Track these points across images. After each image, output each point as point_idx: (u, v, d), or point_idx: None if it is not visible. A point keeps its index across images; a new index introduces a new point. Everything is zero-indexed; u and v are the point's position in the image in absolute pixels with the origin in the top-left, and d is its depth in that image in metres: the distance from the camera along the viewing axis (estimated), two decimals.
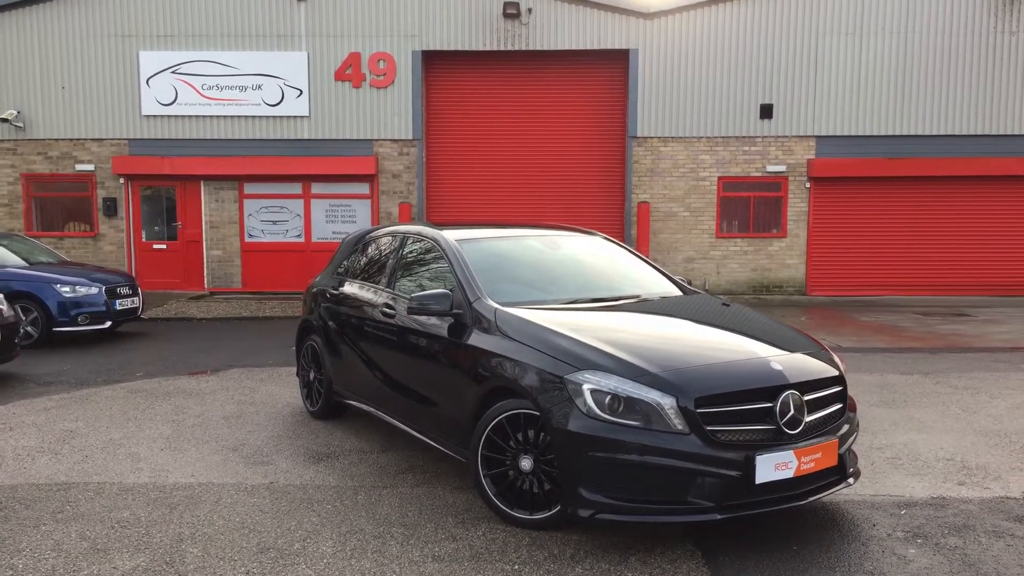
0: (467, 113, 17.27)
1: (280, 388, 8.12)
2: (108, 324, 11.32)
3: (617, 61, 16.90)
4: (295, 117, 16.95)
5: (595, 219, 16.66)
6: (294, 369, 9.00)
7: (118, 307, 11.44)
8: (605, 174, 17.24)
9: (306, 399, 7.03)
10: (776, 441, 4.02)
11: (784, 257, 16.80)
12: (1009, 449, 5.79)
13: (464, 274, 5.16)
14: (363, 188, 17.20)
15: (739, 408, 4.01)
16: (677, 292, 5.64)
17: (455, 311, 4.97)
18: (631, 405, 3.98)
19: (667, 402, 3.93)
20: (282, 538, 4.32)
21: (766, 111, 16.44)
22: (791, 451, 4.02)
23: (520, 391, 4.37)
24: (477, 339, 4.75)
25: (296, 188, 17.24)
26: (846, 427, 4.41)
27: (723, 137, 16.59)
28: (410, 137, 16.85)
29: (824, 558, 3.99)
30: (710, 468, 3.89)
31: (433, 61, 17.06)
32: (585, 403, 4.03)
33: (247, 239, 17.44)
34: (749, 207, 16.77)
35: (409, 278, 5.80)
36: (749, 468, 3.91)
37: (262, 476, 5.37)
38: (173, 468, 5.57)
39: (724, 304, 5.49)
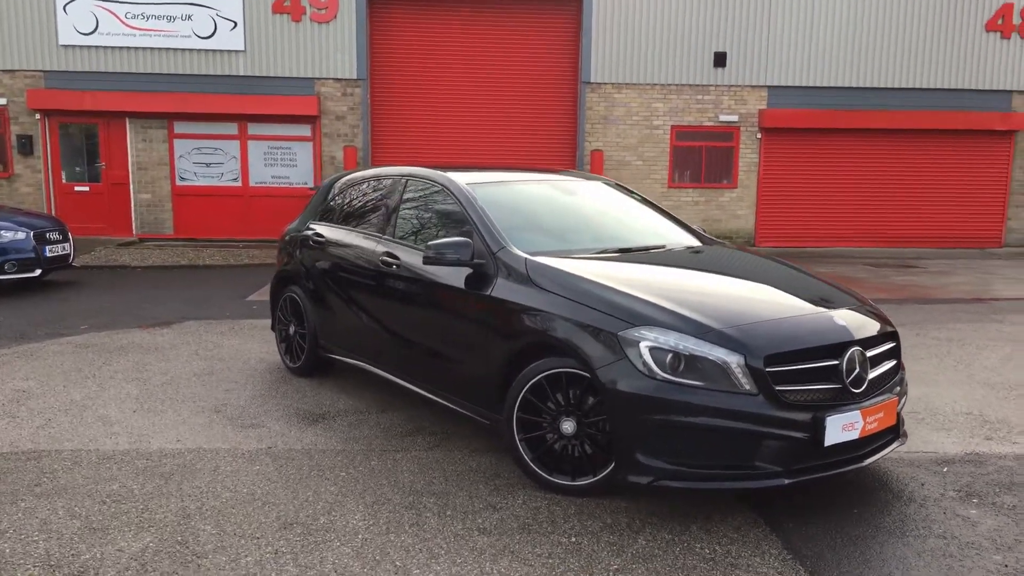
0: (415, 53, 16.53)
1: (247, 342, 7.57)
2: (38, 272, 10.44)
3: (571, 3, 16.38)
4: (229, 51, 15.92)
5: (548, 166, 16.24)
6: (256, 322, 8.49)
7: (48, 254, 10.56)
8: (558, 120, 16.82)
9: (285, 354, 6.53)
10: (841, 400, 3.80)
11: (735, 208, 16.80)
12: (1021, 402, 5.76)
13: (483, 221, 4.74)
14: (304, 130, 16.35)
15: (806, 367, 3.76)
16: (697, 242, 5.35)
17: (476, 261, 4.56)
18: (693, 364, 3.68)
19: (734, 360, 3.65)
20: (303, 511, 3.90)
21: (720, 59, 16.23)
22: (858, 411, 3.80)
23: (562, 348, 4.03)
24: (505, 291, 4.37)
25: (232, 128, 16.28)
26: (900, 385, 4.23)
27: (677, 85, 16.34)
28: (354, 76, 16.05)
29: (888, 521, 3.82)
30: (778, 430, 3.64)
31: None
32: (643, 362, 3.72)
33: (179, 182, 16.43)
34: (701, 157, 16.64)
35: (414, 225, 5.34)
36: (818, 429, 3.68)
37: (256, 440, 4.91)
38: (153, 432, 5.05)
39: (757, 256, 5.23)
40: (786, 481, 3.67)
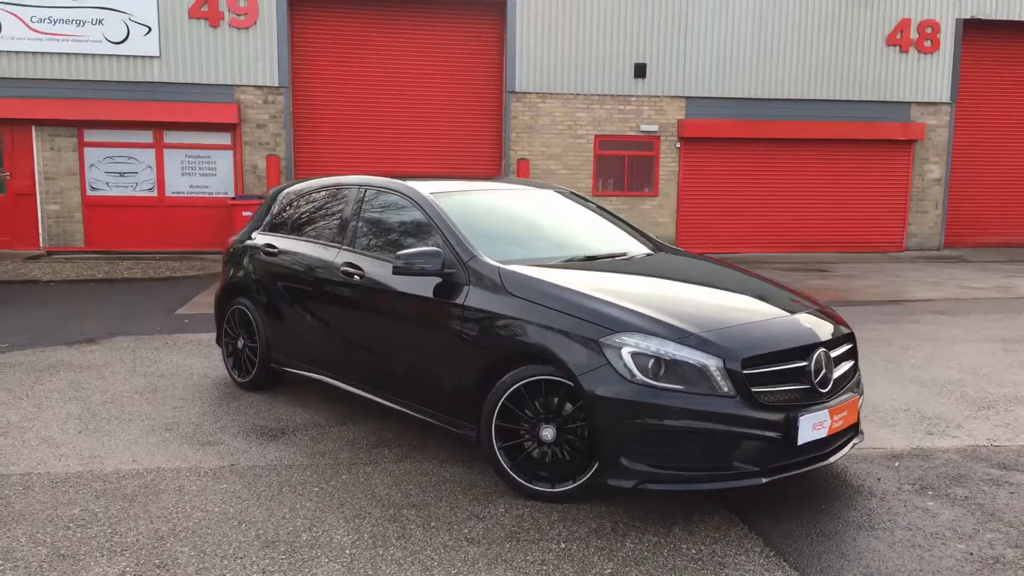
0: (338, 61, 16.32)
1: (186, 358, 7.33)
2: None
3: (495, 13, 16.49)
4: (143, 57, 15.39)
5: (474, 174, 16.30)
6: (192, 336, 8.23)
7: None
8: (484, 129, 16.88)
9: (232, 369, 6.36)
10: (810, 400, 3.96)
11: (656, 215, 17.19)
12: (952, 398, 6.09)
13: (452, 231, 4.75)
14: (224, 138, 15.93)
15: (778, 368, 3.91)
16: (652, 248, 5.46)
17: (447, 270, 4.56)
18: (674, 368, 3.78)
19: (713, 364, 3.77)
20: (282, 528, 3.82)
21: (640, 71, 16.61)
22: (826, 410, 3.97)
23: (541, 356, 4.07)
24: (479, 300, 4.38)
25: (146, 136, 15.72)
26: (858, 384, 4.44)
27: (599, 95, 16.64)
28: (276, 84, 15.74)
29: (855, 516, 3.99)
30: (755, 431, 3.77)
31: (299, 1, 15.95)
32: (626, 367, 3.79)
33: (89, 192, 15.76)
34: (623, 166, 16.98)
35: (376, 235, 5.29)
36: (791, 429, 3.82)
37: (217, 458, 4.78)
38: (105, 453, 4.85)
39: (709, 261, 5.39)
40: (763, 480, 3.81)
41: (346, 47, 16.32)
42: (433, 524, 3.88)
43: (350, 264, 5.21)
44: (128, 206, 15.84)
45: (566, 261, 4.81)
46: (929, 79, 17.75)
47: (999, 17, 17.77)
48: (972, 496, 4.25)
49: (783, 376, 3.91)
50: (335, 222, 5.58)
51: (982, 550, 3.64)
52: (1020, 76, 18.76)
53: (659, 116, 16.88)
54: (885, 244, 18.23)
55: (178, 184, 15.96)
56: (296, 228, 5.93)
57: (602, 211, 5.93)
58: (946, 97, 17.85)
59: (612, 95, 16.66)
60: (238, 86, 15.69)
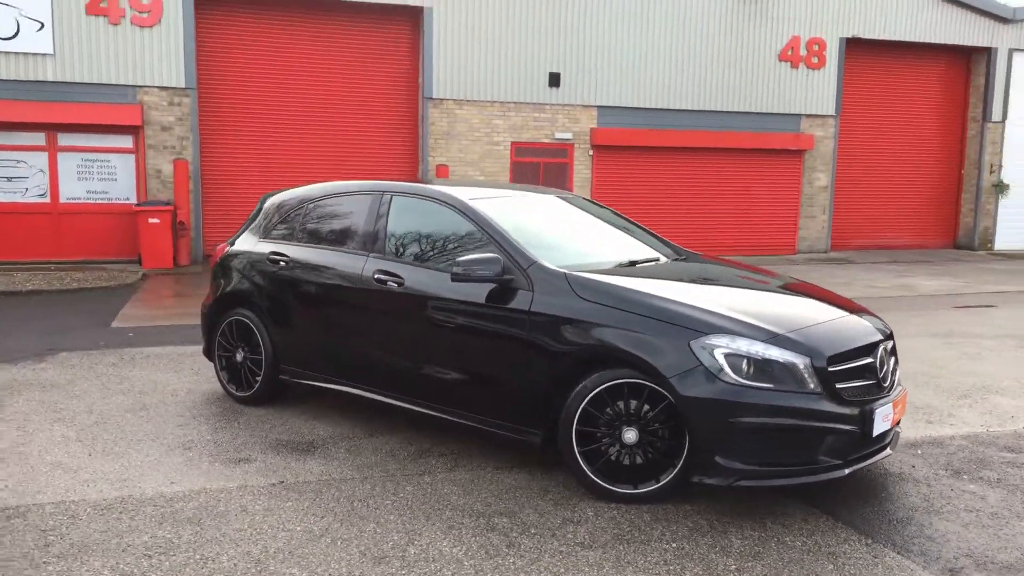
0: (248, 62, 15.73)
1: (157, 373, 6.90)
2: None
3: (411, 19, 16.35)
4: (36, 55, 14.31)
5: (392, 180, 16.10)
6: (148, 351, 7.77)
7: None
8: (400, 134, 16.68)
9: (229, 383, 6.05)
10: (877, 395, 4.19)
11: None
12: (930, 389, 6.56)
13: (504, 238, 4.72)
14: (125, 141, 15.02)
15: (853, 365, 4.12)
16: (673, 252, 5.59)
17: (506, 276, 4.54)
18: (764, 367, 3.92)
19: (802, 362, 3.93)
20: (382, 543, 3.70)
21: (554, 79, 16.88)
22: (890, 403, 4.22)
23: (621, 359, 4.13)
24: (546, 306, 4.39)
25: (38, 139, 14.61)
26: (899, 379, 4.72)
27: (515, 103, 16.79)
28: (182, 85, 14.98)
29: (916, 501, 4.26)
30: (839, 425, 3.96)
31: (206, 0, 15.28)
32: (719, 368, 3.90)
33: None
34: (539, 172, 17.19)
35: (412, 243, 5.18)
36: (867, 422, 4.04)
37: (261, 476, 4.55)
38: (135, 477, 4.53)
39: (731, 265, 5.56)
40: (846, 471, 4.01)
41: (256, 49, 15.75)
42: (533, 531, 3.85)
43: (384, 272, 5.08)
44: (17, 213, 14.67)
45: (616, 266, 4.88)
46: (817, 93, 18.92)
47: (877, 37, 19.16)
48: (1004, 478, 4.61)
49: (856, 372, 4.13)
50: (357, 230, 5.41)
51: None
52: (895, 91, 20.30)
53: (573, 124, 17.21)
54: (779, 247, 19.26)
55: (74, 190, 14.92)
56: (308, 236, 5.71)
57: (614, 215, 6.02)
58: (831, 110, 19.08)
59: (528, 103, 16.84)
60: (141, 87, 14.84)
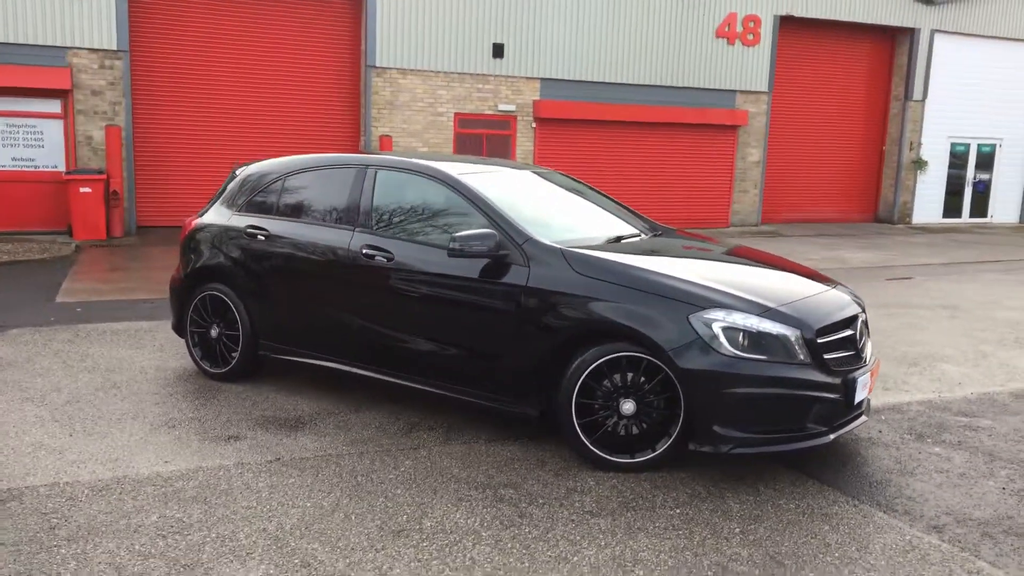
0: (185, 26, 15.18)
1: (118, 350, 6.73)
2: None
3: None
4: None
5: (334, 150, 15.84)
6: (103, 327, 7.57)
7: None
8: (343, 104, 16.40)
9: (202, 360, 5.96)
10: (856, 364, 4.43)
11: None
12: (884, 357, 6.90)
13: (497, 213, 4.78)
14: (53, 106, 14.36)
15: (837, 337, 4.34)
16: (648, 227, 5.72)
17: (501, 252, 4.60)
18: (758, 340, 4.09)
19: (793, 334, 4.12)
20: (397, 517, 3.76)
21: (498, 50, 16.82)
22: (868, 373, 4.47)
23: (624, 333, 4.25)
24: (543, 281, 4.48)
25: None
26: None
27: (459, 73, 16.68)
28: (114, 47, 14.38)
29: (890, 464, 4.53)
30: (825, 394, 4.18)
31: None
32: (717, 341, 4.06)
33: None
34: (482, 144, 17.17)
35: (401, 217, 5.18)
36: (850, 390, 4.27)
37: (256, 453, 4.54)
38: (125, 457, 4.46)
39: (703, 240, 5.74)
40: (830, 437, 4.23)
41: (192, 12, 15.21)
42: (541, 501, 3.96)
43: (372, 247, 5.08)
44: None
45: (607, 242, 4.98)
46: (751, 69, 19.35)
47: (810, 15, 19.66)
48: (963, 441, 4.93)
49: (839, 344, 4.35)
50: (341, 203, 5.38)
51: (1009, 485, 4.28)
52: (824, 69, 20.91)
53: (516, 96, 17.21)
54: (714, 221, 19.73)
55: None
56: (289, 209, 5.65)
57: (590, 189, 6.12)
58: (765, 87, 19.55)
59: (471, 74, 16.76)
60: (70, 48, 14.20)
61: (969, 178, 22.93)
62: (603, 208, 5.78)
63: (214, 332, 5.87)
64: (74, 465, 4.32)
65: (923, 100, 21.54)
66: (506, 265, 4.61)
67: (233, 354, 5.78)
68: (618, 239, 5.16)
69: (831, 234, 18.86)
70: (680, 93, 18.66)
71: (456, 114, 16.81)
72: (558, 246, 4.59)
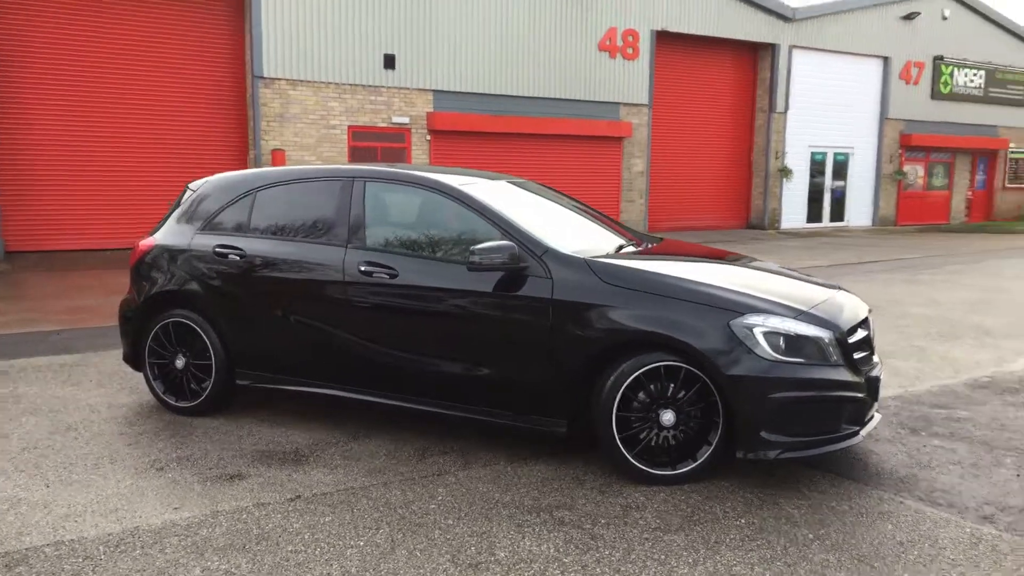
0: (53, 34, 14.02)
1: (53, 388, 6.07)
2: None
3: None
4: None
5: (220, 166, 15.09)
6: (20, 363, 6.79)
7: None
8: (228, 117, 15.61)
9: (166, 394, 5.45)
10: (871, 363, 4.56)
11: None
12: None
13: (511, 225, 4.63)
14: None
15: (858, 338, 4.45)
16: (640, 238, 5.70)
17: (521, 264, 4.45)
18: (794, 343, 4.14)
19: (827, 336, 4.20)
20: (468, 548, 3.54)
21: (389, 61, 16.53)
22: (882, 371, 4.61)
23: (660, 343, 4.20)
24: (570, 293, 4.36)
25: None
26: None
27: (351, 85, 16.26)
28: None
29: (904, 459, 4.69)
30: (856, 393, 4.27)
31: None
32: (760, 346, 4.08)
33: None
34: (377, 157, 16.79)
35: (404, 232, 4.92)
36: (873, 388, 4.40)
37: (270, 492, 4.18)
38: (122, 506, 4.00)
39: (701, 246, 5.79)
40: (861, 436, 4.33)
41: (60, 20, 14.08)
42: (603, 521, 3.84)
43: (372, 263, 4.80)
44: None
45: (616, 251, 4.92)
46: (633, 82, 19.93)
47: (681, 30, 20.48)
48: (954, 432, 5.18)
49: (860, 344, 4.47)
50: (329, 219, 5.05)
51: (1022, 472, 4.50)
52: (697, 82, 21.84)
53: (409, 108, 16.96)
54: None
55: None
56: (266, 227, 5.25)
57: (570, 200, 6.04)
58: (645, 99, 20.19)
59: (364, 85, 16.38)
60: None
61: (828, 185, 24.52)
62: (589, 217, 5.72)
63: (180, 363, 5.38)
64: (69, 520, 3.82)
65: (785, 112, 22.89)
66: (523, 278, 4.47)
67: (204, 385, 5.32)
68: (620, 248, 5.10)
69: (712, 241, 19.62)
70: (568, 105, 18.98)
71: (350, 127, 16.38)
72: (582, 256, 4.49)
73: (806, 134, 23.53)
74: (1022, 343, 7.82)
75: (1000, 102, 27.36)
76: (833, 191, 24.70)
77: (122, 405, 5.64)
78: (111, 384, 6.13)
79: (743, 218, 23.49)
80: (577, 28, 18.93)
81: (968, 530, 3.76)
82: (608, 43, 19.45)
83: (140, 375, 6.12)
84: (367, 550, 3.54)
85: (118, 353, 7.07)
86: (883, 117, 24.88)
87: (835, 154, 24.53)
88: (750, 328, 4.10)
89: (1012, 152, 28.33)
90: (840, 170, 24.76)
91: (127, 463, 4.57)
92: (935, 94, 25.74)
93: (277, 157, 15.42)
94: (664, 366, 4.21)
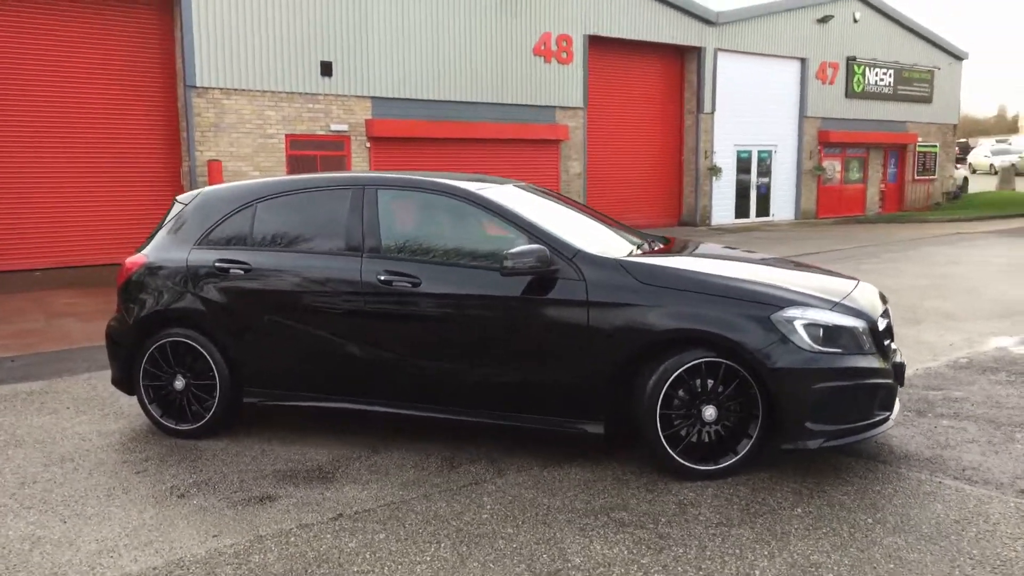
0: None
1: (37, 417, 5.70)
2: None
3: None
4: None
5: (152, 179, 14.61)
6: None
7: None
8: (159, 128, 14.98)
9: (164, 417, 5.17)
10: (893, 351, 4.67)
11: None
12: None
13: (539, 228, 4.58)
14: None
15: (884, 326, 4.55)
16: (650, 237, 5.70)
17: (552, 267, 4.39)
18: (832, 334, 4.20)
19: (861, 326, 4.27)
20: (536, 561, 3.46)
21: (326, 69, 16.19)
22: (902, 356, 4.72)
23: (700, 339, 4.20)
24: (605, 294, 4.33)
25: None
26: None
27: (288, 93, 15.85)
28: None
29: (925, 440, 4.81)
30: (887, 380, 4.36)
31: None
32: (801, 338, 4.12)
33: None
34: (316, 166, 16.41)
35: (423, 239, 4.79)
36: (899, 374, 4.50)
37: (310, 512, 4.01)
38: (156, 539, 3.77)
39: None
40: (891, 421, 4.42)
41: None
42: (664, 520, 3.81)
43: (392, 272, 4.66)
44: None
45: (635, 250, 4.90)
46: (568, 86, 20.06)
47: (612, 35, 20.73)
48: (958, 412, 5.35)
49: (885, 332, 4.56)
50: (340, 228, 4.88)
51: None
52: (629, 85, 22.13)
53: (348, 116, 16.65)
54: None
55: None
56: (271, 239, 5.04)
57: (575, 202, 6.01)
58: (580, 102, 20.35)
59: (301, 93, 16.00)
60: None
61: (754, 182, 25.19)
62: (596, 221, 5.68)
63: (179, 384, 5.11)
64: (103, 555, 3.58)
65: (712, 112, 23.40)
66: (553, 280, 4.41)
67: (206, 406, 5.07)
68: (639, 247, 5.09)
69: None
70: (506, 110, 18.97)
71: (288, 135, 15.98)
72: (614, 257, 4.46)
73: (732, 133, 24.12)
74: (985, 325, 8.16)
75: (908, 99, 28.63)
76: (759, 187, 25.37)
77: (113, 432, 5.32)
78: (91, 411, 5.79)
79: (676, 215, 23.91)
80: (512, 34, 18.95)
81: (1012, 504, 3.87)
82: (543, 48, 19.53)
83: (124, 399, 5.86)
84: (436, 565, 3.42)
85: (86, 378, 6.74)
86: (802, 115, 25.70)
87: (759, 152, 25.22)
88: (791, 321, 4.14)
89: (920, 146, 29.67)
90: (764, 167, 25.46)
91: (142, 492, 4.31)
92: (849, 93, 26.74)
93: (213, 168, 14.90)
94: (705, 362, 4.21)
